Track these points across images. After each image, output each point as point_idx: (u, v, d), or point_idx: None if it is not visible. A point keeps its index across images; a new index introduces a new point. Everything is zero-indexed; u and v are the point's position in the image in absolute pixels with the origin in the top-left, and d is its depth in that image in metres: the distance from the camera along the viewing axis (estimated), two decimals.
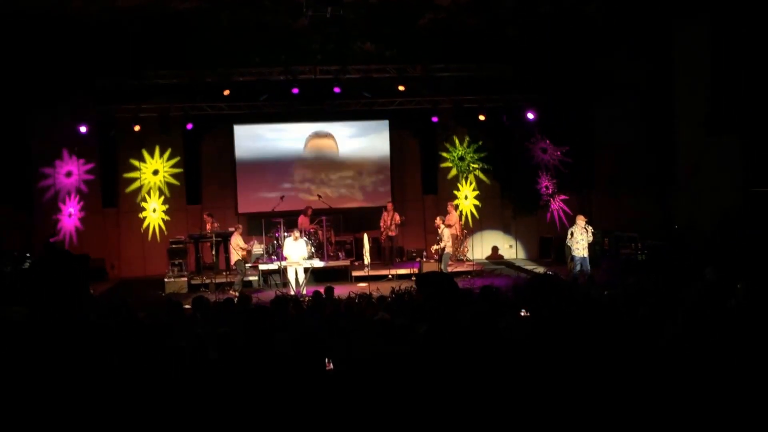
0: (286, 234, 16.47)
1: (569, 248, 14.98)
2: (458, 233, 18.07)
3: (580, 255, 14.71)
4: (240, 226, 17.04)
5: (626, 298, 7.19)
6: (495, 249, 20.63)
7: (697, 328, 4.20)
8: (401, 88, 18.35)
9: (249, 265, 16.81)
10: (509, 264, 19.44)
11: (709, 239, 14.26)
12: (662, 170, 16.97)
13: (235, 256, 16.31)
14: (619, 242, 16.91)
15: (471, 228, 20.41)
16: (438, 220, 16.93)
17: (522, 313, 6.85)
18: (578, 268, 14.55)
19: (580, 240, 14.71)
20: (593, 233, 14.92)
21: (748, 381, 3.75)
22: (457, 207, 19.05)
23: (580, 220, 14.87)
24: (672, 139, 16.52)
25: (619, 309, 6.04)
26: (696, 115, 15.47)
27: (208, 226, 17.67)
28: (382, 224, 18.26)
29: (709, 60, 14.86)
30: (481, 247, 20.75)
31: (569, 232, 15.03)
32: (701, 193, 15.28)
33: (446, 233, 16.37)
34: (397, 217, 18.25)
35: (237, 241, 16.34)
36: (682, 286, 8.61)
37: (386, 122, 20.38)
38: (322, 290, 10.82)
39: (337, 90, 18.01)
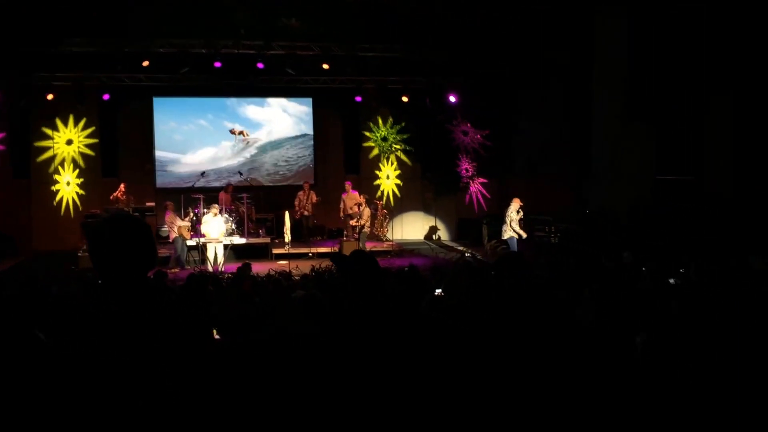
0: (205, 210, 16.23)
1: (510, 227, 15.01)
2: (346, 211, 17.90)
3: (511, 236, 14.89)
4: (171, 203, 16.30)
5: (544, 280, 7.35)
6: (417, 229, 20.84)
7: (615, 312, 4.37)
8: (325, 66, 18.22)
9: (189, 241, 15.86)
10: (428, 244, 19.68)
11: (621, 224, 14.80)
12: (579, 157, 17.43)
13: (173, 233, 15.67)
14: (534, 225, 17.30)
15: (392, 208, 20.56)
16: (360, 198, 17.00)
17: (437, 292, 6.94)
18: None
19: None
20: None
21: (661, 363, 3.87)
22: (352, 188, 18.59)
23: (516, 203, 14.99)
24: (589, 127, 16.97)
25: (539, 291, 6.18)
26: (613, 104, 15.94)
27: (119, 194, 17.28)
28: (297, 203, 18.13)
29: (627, 51, 15.33)
30: (401, 227, 20.92)
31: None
32: (615, 179, 15.78)
33: (366, 212, 16.43)
34: (314, 197, 18.18)
35: (171, 219, 15.76)
36: (594, 267, 8.90)
37: (310, 100, 20.29)
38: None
39: (260, 66, 17.75)
